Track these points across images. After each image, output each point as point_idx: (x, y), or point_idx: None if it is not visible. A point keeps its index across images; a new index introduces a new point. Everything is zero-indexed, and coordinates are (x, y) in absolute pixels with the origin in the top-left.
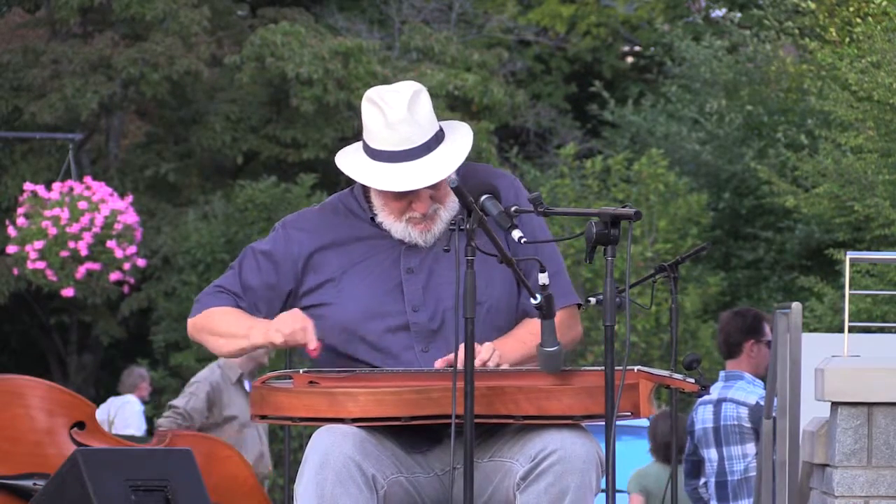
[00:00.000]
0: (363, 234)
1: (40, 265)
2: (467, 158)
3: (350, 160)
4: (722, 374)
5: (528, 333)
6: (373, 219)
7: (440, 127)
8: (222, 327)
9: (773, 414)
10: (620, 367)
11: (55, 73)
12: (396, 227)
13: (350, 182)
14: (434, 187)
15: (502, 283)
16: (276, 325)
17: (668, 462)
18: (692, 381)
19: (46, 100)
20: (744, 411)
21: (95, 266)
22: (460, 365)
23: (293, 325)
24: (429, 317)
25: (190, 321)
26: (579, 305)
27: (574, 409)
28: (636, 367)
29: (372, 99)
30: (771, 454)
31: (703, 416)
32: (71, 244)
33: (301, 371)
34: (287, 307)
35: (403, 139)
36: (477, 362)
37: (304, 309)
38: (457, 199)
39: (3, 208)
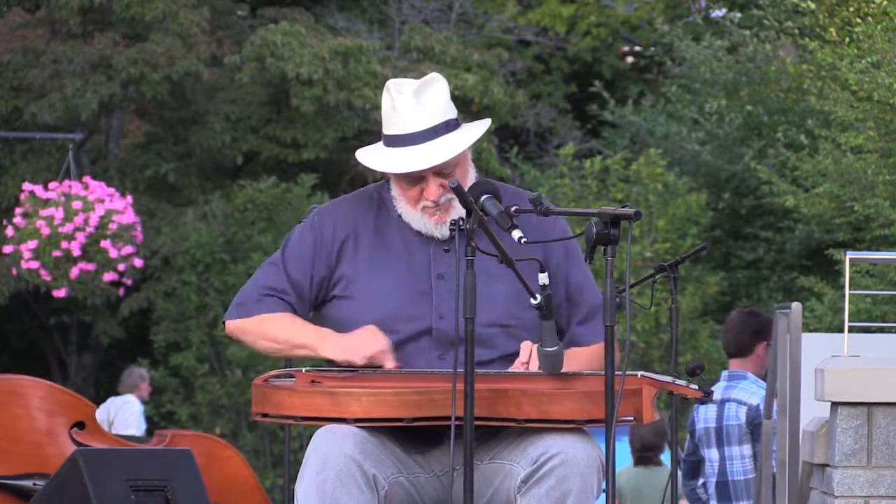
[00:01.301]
0: (393, 229)
1: (34, 265)
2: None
3: (366, 150)
4: (725, 373)
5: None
6: (400, 216)
7: (457, 120)
8: (281, 334)
9: (773, 414)
10: (621, 372)
11: (55, 74)
12: (413, 216)
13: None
14: (444, 175)
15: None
16: (354, 345)
17: (640, 464)
18: (695, 387)
19: (46, 100)
20: (745, 411)
21: (89, 266)
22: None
23: (375, 348)
24: (453, 326)
25: (235, 324)
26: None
27: (576, 413)
28: (639, 373)
29: (387, 86)
30: (771, 454)
31: (705, 415)
32: (64, 244)
33: (304, 370)
34: (321, 294)
35: (409, 122)
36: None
37: (332, 299)
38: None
39: (3, 208)
